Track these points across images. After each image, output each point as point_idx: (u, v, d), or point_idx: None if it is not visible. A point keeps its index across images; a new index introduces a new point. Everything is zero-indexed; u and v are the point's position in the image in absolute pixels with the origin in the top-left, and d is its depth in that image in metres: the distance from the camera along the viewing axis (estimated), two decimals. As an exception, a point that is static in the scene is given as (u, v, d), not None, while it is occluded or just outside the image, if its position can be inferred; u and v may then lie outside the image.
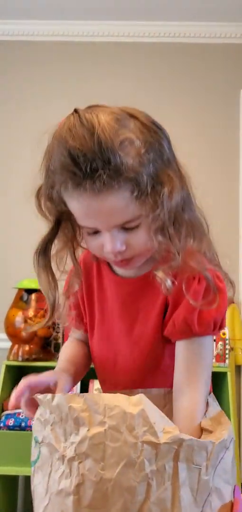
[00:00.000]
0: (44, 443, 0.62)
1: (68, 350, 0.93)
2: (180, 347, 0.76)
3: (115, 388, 0.82)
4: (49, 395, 0.62)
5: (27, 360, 2.01)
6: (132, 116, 0.69)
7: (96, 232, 0.73)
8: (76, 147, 0.65)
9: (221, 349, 2.05)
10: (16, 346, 2.04)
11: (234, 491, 0.65)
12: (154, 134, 0.70)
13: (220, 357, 2.05)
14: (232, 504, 0.63)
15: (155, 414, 0.58)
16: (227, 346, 2.06)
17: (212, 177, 2.35)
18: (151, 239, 0.72)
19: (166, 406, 0.76)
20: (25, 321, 2.01)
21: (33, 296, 2.05)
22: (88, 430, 0.57)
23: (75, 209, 0.71)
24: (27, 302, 2.05)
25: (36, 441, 0.64)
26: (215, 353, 2.04)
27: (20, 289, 2.09)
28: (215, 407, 0.74)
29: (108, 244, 0.72)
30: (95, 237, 0.74)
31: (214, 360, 2.04)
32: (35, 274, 0.80)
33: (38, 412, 0.65)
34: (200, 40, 2.51)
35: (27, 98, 2.52)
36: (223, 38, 2.50)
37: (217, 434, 0.65)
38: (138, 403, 0.58)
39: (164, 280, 0.73)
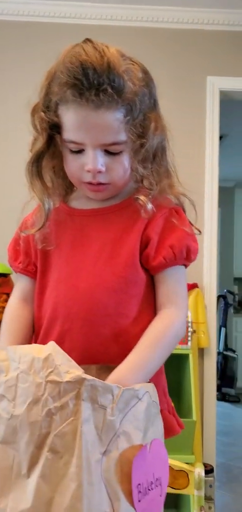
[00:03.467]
0: None
1: (12, 326, 0.88)
2: (166, 276, 0.82)
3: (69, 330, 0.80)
4: None
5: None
6: (132, 59, 0.81)
7: (80, 151, 0.80)
8: (88, 60, 0.74)
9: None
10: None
11: (152, 442, 0.68)
12: (148, 78, 0.83)
13: (183, 339, 2.10)
14: (139, 449, 0.66)
15: (62, 358, 0.63)
16: (190, 329, 2.11)
17: (178, 159, 2.37)
18: (130, 169, 0.82)
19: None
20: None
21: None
22: (5, 375, 0.65)
23: (70, 121, 0.78)
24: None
25: None
26: (180, 337, 2.08)
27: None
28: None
29: (91, 162, 0.79)
30: (78, 156, 0.81)
31: (177, 343, 2.08)
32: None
33: None
34: (168, 25, 2.52)
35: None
36: (191, 24, 2.51)
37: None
38: (47, 350, 0.64)
39: (146, 203, 0.82)
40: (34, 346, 0.67)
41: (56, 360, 0.63)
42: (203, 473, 1.01)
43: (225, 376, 5.08)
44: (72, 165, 0.83)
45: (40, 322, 0.85)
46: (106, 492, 0.61)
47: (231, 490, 2.72)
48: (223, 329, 5.20)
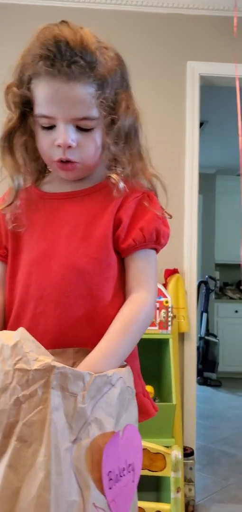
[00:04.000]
0: None
1: None
2: (135, 258, 0.83)
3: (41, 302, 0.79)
4: None
5: None
6: (105, 43, 0.83)
7: (51, 127, 0.80)
8: (61, 35, 0.76)
9: (164, 317, 2.11)
10: None
11: (125, 429, 0.68)
12: (121, 61, 0.85)
13: (163, 324, 2.11)
14: (111, 436, 0.65)
15: (32, 345, 0.62)
16: (170, 314, 2.13)
17: (159, 148, 2.37)
18: (101, 148, 0.82)
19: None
20: None
21: None
22: None
23: (41, 94, 0.79)
24: None
25: None
26: (158, 320, 2.10)
27: None
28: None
29: (62, 136, 0.79)
30: (49, 132, 0.81)
31: (157, 328, 2.10)
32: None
33: None
34: (148, 10, 2.49)
35: None
36: (171, 8, 2.49)
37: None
38: (16, 337, 0.63)
39: (118, 181, 0.82)
40: (4, 332, 0.66)
41: (25, 347, 0.62)
42: (179, 455, 1.02)
43: (206, 360, 5.15)
44: (44, 141, 0.82)
45: (11, 305, 0.84)
46: (76, 481, 0.60)
47: (212, 472, 2.77)
48: (204, 315, 5.25)
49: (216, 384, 5.06)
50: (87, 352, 0.73)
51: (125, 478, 0.68)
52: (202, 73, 2.46)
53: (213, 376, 5.14)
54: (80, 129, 0.81)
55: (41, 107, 0.80)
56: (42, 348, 0.63)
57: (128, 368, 0.73)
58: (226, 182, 5.72)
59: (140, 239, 0.81)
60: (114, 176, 0.83)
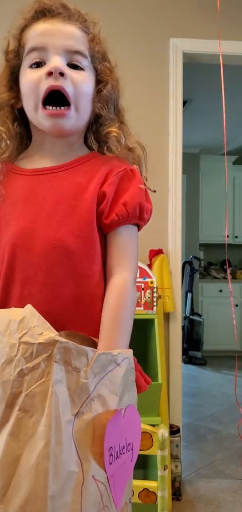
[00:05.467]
0: None
1: None
2: (117, 234, 0.82)
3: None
4: None
5: None
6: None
7: (40, 65, 0.81)
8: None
9: (149, 297, 2.11)
10: None
11: (126, 408, 0.69)
12: (105, 41, 0.89)
13: (148, 305, 2.11)
14: (114, 413, 0.66)
15: (38, 321, 0.63)
16: (155, 294, 2.13)
17: (142, 123, 2.34)
18: (91, 103, 0.84)
19: None
20: None
21: None
22: None
23: (34, 31, 0.82)
24: None
25: None
26: (143, 301, 2.10)
27: None
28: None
29: (54, 62, 0.79)
30: (38, 69, 0.81)
31: (142, 308, 2.10)
32: None
33: None
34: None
35: None
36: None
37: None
38: (23, 312, 0.64)
39: (120, 136, 0.84)
40: (12, 309, 0.67)
41: (31, 322, 0.63)
42: (166, 434, 1.02)
43: (191, 340, 5.21)
44: (30, 77, 0.81)
45: None
46: (76, 453, 0.62)
47: (198, 449, 2.82)
48: (189, 294, 5.30)
49: (201, 362, 5.14)
50: (78, 336, 0.73)
51: (124, 456, 0.69)
52: (185, 50, 2.43)
53: (198, 354, 5.21)
54: (72, 67, 0.81)
55: (32, 41, 0.82)
56: (48, 324, 0.63)
57: (131, 351, 0.74)
58: (210, 161, 5.73)
59: (123, 214, 0.80)
60: (114, 129, 0.84)
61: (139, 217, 0.82)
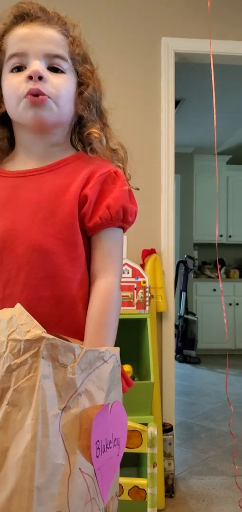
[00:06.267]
0: None
1: None
2: (101, 237, 0.82)
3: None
4: None
5: None
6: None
7: (21, 69, 0.81)
8: (33, 2, 0.85)
9: (141, 297, 2.12)
10: None
11: (113, 404, 0.71)
12: (85, 42, 0.89)
13: (141, 305, 2.12)
14: (100, 408, 0.68)
15: (26, 319, 0.65)
16: (148, 294, 2.14)
17: (134, 127, 2.35)
18: (72, 103, 0.85)
19: None
20: None
21: None
22: None
23: (14, 37, 0.82)
24: None
25: None
26: (135, 300, 2.11)
27: None
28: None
29: (32, 67, 0.80)
30: (18, 74, 0.82)
31: (135, 308, 2.11)
32: None
33: None
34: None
35: None
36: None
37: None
38: (12, 312, 0.66)
39: (101, 136, 0.85)
40: (3, 310, 0.69)
41: (19, 320, 0.65)
42: (155, 432, 1.03)
43: (186, 338, 5.23)
44: (12, 81, 0.82)
45: None
46: (63, 446, 0.63)
47: (191, 447, 2.84)
48: (183, 294, 5.31)
49: (195, 361, 5.15)
50: (59, 337, 0.73)
51: (111, 450, 0.70)
52: (176, 49, 2.44)
53: (193, 353, 5.23)
54: (52, 70, 0.82)
55: (12, 47, 0.82)
56: (36, 322, 0.65)
57: (118, 349, 0.75)
58: (203, 161, 5.75)
59: (107, 217, 0.80)
60: (95, 130, 0.85)
61: (123, 219, 0.83)
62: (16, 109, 0.83)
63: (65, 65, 0.83)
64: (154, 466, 1.04)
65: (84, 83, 0.86)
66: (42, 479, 0.59)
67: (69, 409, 0.64)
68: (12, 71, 0.82)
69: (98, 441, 0.67)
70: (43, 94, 0.80)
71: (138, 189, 0.87)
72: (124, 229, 0.86)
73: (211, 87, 2.18)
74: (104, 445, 0.68)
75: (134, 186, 0.86)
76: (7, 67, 0.83)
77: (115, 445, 0.71)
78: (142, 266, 2.35)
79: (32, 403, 0.61)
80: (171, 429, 2.31)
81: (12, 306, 0.76)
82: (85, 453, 0.65)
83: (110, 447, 0.70)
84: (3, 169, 0.86)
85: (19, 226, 0.79)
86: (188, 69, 2.98)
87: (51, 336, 0.63)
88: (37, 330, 0.64)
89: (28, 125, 0.83)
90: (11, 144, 0.91)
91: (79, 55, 0.86)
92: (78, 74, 0.86)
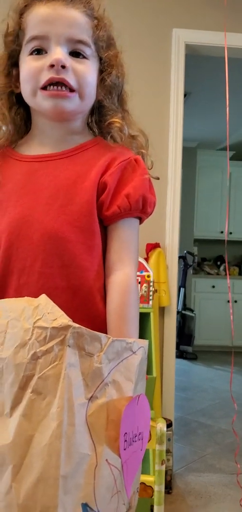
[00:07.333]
0: None
1: None
2: (119, 227, 0.79)
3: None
4: None
5: None
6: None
7: (41, 52, 0.78)
8: None
9: (145, 291, 2.10)
10: None
11: (139, 397, 0.69)
12: (112, 26, 0.86)
13: (144, 299, 2.10)
14: (129, 400, 0.67)
15: (52, 308, 0.64)
16: (151, 288, 2.12)
17: (144, 113, 2.31)
18: (95, 89, 0.82)
19: None
20: None
21: None
22: None
23: (36, 16, 0.78)
24: None
25: None
26: (139, 294, 2.09)
27: None
28: None
29: (56, 54, 0.76)
30: (38, 57, 0.78)
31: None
32: None
33: None
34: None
35: None
36: None
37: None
38: (38, 300, 0.65)
39: (123, 126, 0.82)
40: (26, 298, 0.67)
41: (45, 309, 0.64)
42: (164, 428, 1.01)
43: (183, 334, 5.23)
44: (31, 65, 0.78)
45: None
46: (90, 436, 0.62)
47: (189, 443, 2.83)
48: (182, 289, 5.30)
49: (192, 357, 5.15)
50: None
51: (136, 444, 0.69)
52: (188, 41, 2.40)
53: (189, 349, 5.23)
54: (74, 55, 0.78)
55: (33, 29, 0.78)
56: (62, 312, 0.64)
57: (147, 342, 0.74)
58: (207, 156, 5.72)
59: (126, 206, 0.78)
60: (117, 119, 0.81)
61: (141, 210, 0.80)
62: (33, 97, 0.80)
63: (88, 51, 0.80)
64: (162, 463, 1.02)
65: (107, 69, 0.83)
66: (67, 468, 0.58)
67: (95, 399, 0.63)
68: (31, 53, 0.78)
69: (126, 433, 0.65)
70: (66, 83, 0.77)
71: (158, 178, 0.84)
72: (141, 220, 0.83)
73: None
74: (130, 438, 0.67)
75: (153, 175, 0.83)
76: (26, 48, 0.79)
77: (139, 439, 0.70)
78: (146, 259, 2.33)
79: (57, 391, 0.60)
80: (170, 424, 2.30)
81: (28, 295, 0.74)
82: (112, 445, 0.63)
83: (135, 441, 0.68)
84: (18, 152, 0.83)
85: (35, 213, 0.76)
86: (195, 62, 2.94)
87: (77, 325, 0.62)
88: (64, 319, 0.63)
89: (47, 113, 0.80)
90: (26, 124, 0.88)
91: (103, 40, 0.82)
92: (100, 60, 0.83)
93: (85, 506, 0.59)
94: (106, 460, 0.63)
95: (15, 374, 0.61)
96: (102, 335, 0.64)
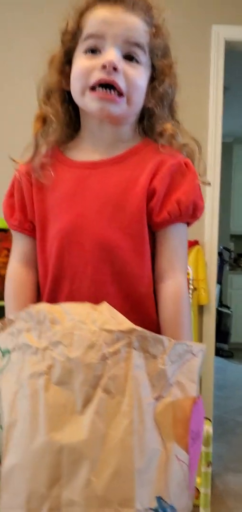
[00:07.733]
0: (15, 349, 0.69)
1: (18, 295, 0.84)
2: (168, 233, 0.79)
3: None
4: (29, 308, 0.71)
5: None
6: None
7: (95, 52, 0.78)
8: None
9: (184, 289, 2.09)
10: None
11: (199, 397, 0.71)
12: (169, 35, 0.86)
13: (184, 297, 2.09)
14: (194, 400, 0.69)
15: (116, 314, 0.67)
16: (191, 287, 2.10)
17: (181, 111, 2.30)
18: (144, 94, 0.81)
19: None
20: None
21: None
22: (61, 325, 0.67)
23: (94, 17, 0.78)
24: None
25: (4, 352, 0.71)
26: (190, 301, 2.08)
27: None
28: None
29: (109, 55, 0.76)
30: (92, 56, 0.78)
31: (178, 300, 2.08)
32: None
33: (8, 330, 0.71)
34: None
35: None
36: None
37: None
38: (102, 306, 0.68)
39: (175, 132, 0.82)
40: (88, 303, 0.70)
41: (109, 313, 0.67)
42: (211, 430, 1.01)
43: (219, 331, 5.14)
44: (83, 63, 0.79)
45: (44, 280, 0.81)
46: (159, 433, 0.65)
47: (226, 442, 2.80)
48: (218, 286, 5.23)
49: (228, 355, 5.08)
50: None
51: (196, 444, 0.71)
52: (227, 37, 2.36)
53: (225, 347, 5.16)
54: (128, 59, 0.79)
55: (90, 28, 0.79)
56: (124, 317, 0.67)
57: (205, 346, 0.75)
58: (243, 151, 5.60)
59: (176, 212, 0.77)
60: (169, 126, 0.82)
61: (191, 215, 0.80)
62: (82, 96, 0.80)
63: (142, 56, 0.80)
64: (208, 465, 1.03)
65: (159, 78, 0.82)
66: (141, 462, 0.61)
67: (162, 399, 0.66)
68: (86, 52, 0.79)
69: (192, 431, 0.68)
70: (116, 86, 0.77)
71: (209, 184, 0.84)
72: (188, 224, 0.83)
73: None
74: (194, 436, 0.69)
75: (206, 180, 0.83)
76: (82, 46, 0.80)
77: (198, 439, 0.72)
78: (185, 258, 2.32)
79: (125, 391, 0.63)
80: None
81: (80, 300, 0.76)
82: (180, 442, 0.66)
83: (196, 439, 0.70)
84: (69, 157, 0.84)
85: (87, 220, 0.78)
86: (233, 58, 2.89)
87: (141, 329, 0.65)
88: (128, 323, 0.66)
89: (94, 114, 0.81)
90: (74, 126, 0.88)
91: (159, 48, 0.82)
92: (154, 67, 0.83)
93: (159, 499, 0.62)
94: (176, 456, 0.65)
95: (86, 373, 0.64)
96: (164, 337, 0.67)
